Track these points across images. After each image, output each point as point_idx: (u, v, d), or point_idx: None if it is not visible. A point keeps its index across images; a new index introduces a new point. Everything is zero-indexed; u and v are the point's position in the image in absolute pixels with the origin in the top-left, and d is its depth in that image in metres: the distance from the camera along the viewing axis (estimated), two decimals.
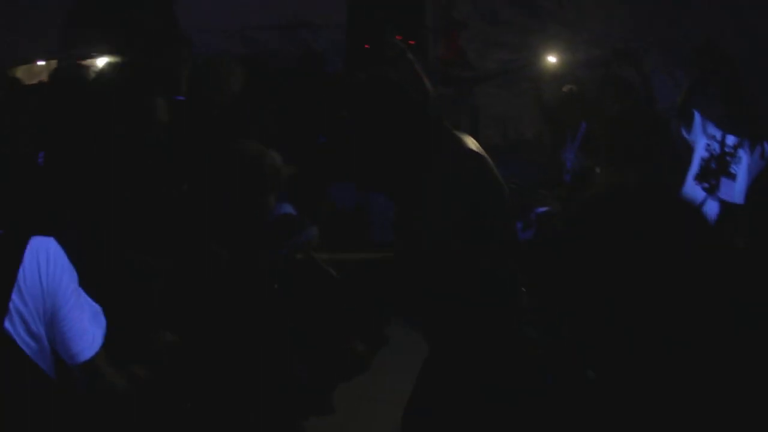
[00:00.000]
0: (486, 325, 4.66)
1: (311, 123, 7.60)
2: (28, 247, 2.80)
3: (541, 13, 9.67)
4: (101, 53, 8.85)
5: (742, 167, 6.36)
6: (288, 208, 5.90)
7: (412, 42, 8.81)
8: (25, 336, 2.79)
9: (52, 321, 2.87)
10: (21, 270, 2.75)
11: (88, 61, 8.56)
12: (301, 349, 5.17)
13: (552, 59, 8.89)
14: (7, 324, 2.72)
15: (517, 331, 4.86)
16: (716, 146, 6.47)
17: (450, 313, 4.76)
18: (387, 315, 5.91)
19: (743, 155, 6.36)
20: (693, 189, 6.53)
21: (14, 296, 2.72)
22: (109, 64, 8.18)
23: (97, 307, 3.09)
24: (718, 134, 6.49)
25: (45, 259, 2.83)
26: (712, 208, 6.41)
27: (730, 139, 6.41)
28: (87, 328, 3.00)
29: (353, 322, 5.53)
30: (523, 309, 5.29)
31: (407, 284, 5.44)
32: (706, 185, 6.48)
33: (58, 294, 2.86)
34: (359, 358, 5.39)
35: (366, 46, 8.46)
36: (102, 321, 3.10)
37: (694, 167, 6.59)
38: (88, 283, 3.15)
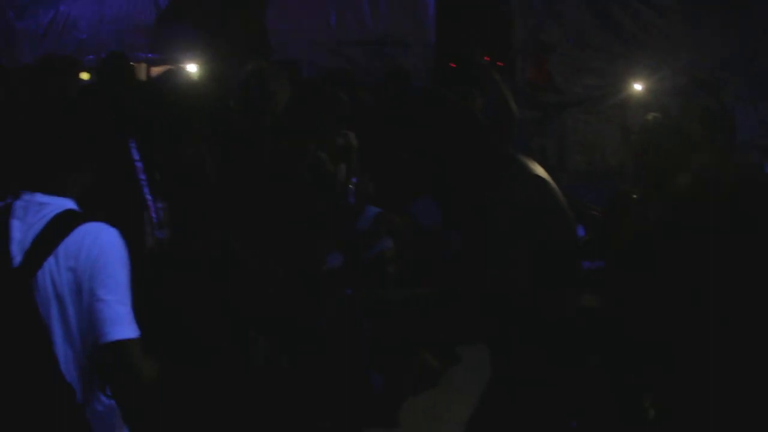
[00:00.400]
0: (550, 357, 4.65)
1: (394, 139, 7.64)
2: (81, 228, 3.17)
3: (629, 39, 9.63)
4: (190, 57, 9.08)
5: None
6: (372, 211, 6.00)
7: (500, 63, 8.83)
8: (50, 295, 3.16)
9: (89, 299, 3.16)
10: (63, 242, 3.14)
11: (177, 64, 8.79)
12: (377, 357, 5.23)
13: (638, 86, 8.85)
14: (39, 276, 3.12)
15: (581, 362, 4.86)
16: None
17: (513, 343, 4.76)
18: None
19: None
20: None
21: (51, 259, 3.13)
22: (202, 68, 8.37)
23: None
24: None
25: (90, 241, 3.17)
26: None
27: None
28: (123, 316, 3.20)
29: (426, 336, 5.56)
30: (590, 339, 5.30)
31: (473, 311, 5.47)
32: None
33: (95, 276, 3.16)
34: (430, 372, 5.41)
35: (452, 65, 8.49)
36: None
37: None
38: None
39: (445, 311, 5.47)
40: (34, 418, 3.16)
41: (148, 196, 4.79)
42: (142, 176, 4.82)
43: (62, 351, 3.21)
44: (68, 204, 3.28)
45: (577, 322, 5.02)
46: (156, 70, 9.06)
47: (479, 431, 4.70)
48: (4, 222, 3.23)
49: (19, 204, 3.26)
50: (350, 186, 6.32)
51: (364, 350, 5.23)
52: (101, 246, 3.19)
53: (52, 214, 3.21)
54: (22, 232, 3.19)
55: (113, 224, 3.28)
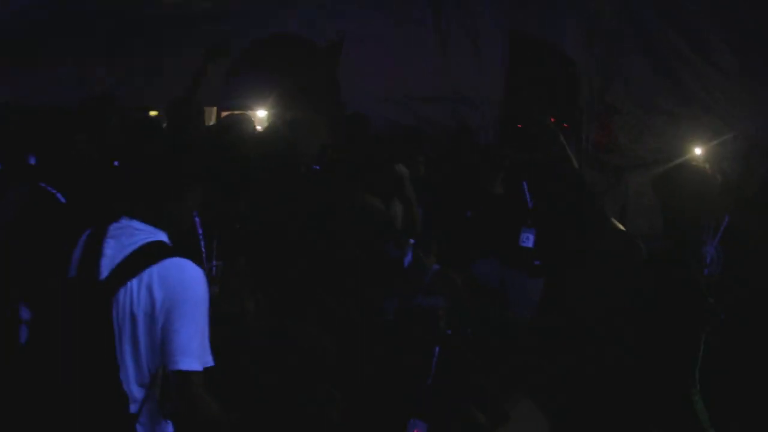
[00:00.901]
0: None
1: (460, 197, 7.81)
2: (170, 260, 3.53)
3: (693, 101, 9.66)
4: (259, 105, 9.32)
5: None
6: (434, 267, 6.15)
7: (566, 125, 8.96)
8: (127, 312, 3.47)
9: (165, 326, 3.46)
10: (150, 269, 3.49)
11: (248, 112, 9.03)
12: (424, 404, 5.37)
13: (698, 150, 8.92)
14: (120, 293, 3.45)
15: None
16: None
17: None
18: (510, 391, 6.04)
19: None
20: None
21: (134, 281, 3.45)
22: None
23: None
24: None
25: (177, 274, 3.52)
26: None
27: None
28: (194, 349, 3.48)
29: (476, 392, 5.68)
30: None
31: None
32: None
33: (175, 307, 3.47)
34: (476, 427, 5.50)
35: (519, 126, 8.65)
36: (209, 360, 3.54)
37: None
38: None
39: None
40: (85, 414, 3.45)
41: (204, 251, 5.03)
42: (200, 231, 5.04)
43: (125, 363, 3.50)
44: (161, 235, 3.64)
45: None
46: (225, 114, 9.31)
47: None
48: (100, 239, 3.57)
49: (116, 226, 3.63)
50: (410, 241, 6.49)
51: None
52: (186, 280, 3.52)
53: (144, 241, 3.56)
54: (113, 251, 3.54)
55: None
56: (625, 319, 6.00)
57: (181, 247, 3.66)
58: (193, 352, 3.46)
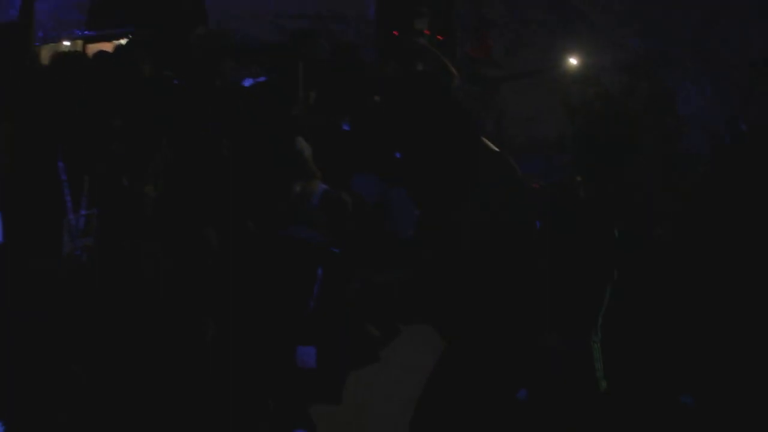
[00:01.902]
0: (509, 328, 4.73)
1: (338, 113, 7.59)
2: None
3: (572, 15, 9.65)
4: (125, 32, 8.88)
5: None
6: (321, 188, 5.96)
7: (440, 38, 8.80)
8: None
9: None
10: None
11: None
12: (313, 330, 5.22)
13: (574, 62, 8.89)
14: None
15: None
16: None
17: (476, 315, 4.81)
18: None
19: None
20: None
21: None
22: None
23: None
24: None
25: None
26: None
27: None
28: None
29: (370, 307, 5.56)
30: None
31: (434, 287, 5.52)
32: None
33: None
34: (372, 343, 5.40)
35: (395, 33, 8.42)
36: None
37: None
38: None
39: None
40: None
41: (69, 201, 4.62)
42: (64, 177, 4.63)
43: None
44: None
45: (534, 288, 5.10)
46: (92, 48, 8.83)
47: (434, 402, 4.74)
48: None
49: None
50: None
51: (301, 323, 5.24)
52: None
53: None
54: None
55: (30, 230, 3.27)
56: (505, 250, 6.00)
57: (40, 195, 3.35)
58: None
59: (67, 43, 7.67)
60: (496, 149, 7.23)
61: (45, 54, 6.94)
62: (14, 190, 4.35)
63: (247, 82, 6.73)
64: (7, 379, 3.73)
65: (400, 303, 5.89)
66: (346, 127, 7.38)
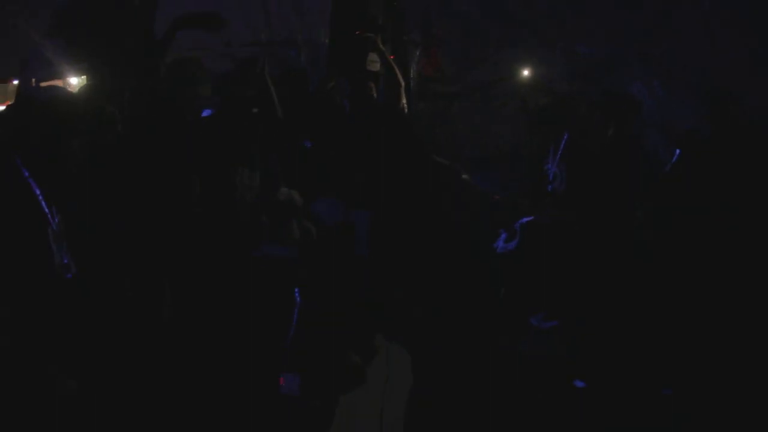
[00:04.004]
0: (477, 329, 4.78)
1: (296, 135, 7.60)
2: None
3: (520, 27, 9.77)
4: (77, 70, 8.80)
5: None
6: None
7: (392, 57, 8.85)
8: None
9: None
10: None
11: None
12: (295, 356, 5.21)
13: (525, 73, 9.00)
14: None
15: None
16: None
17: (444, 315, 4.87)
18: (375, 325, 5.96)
19: None
20: None
21: None
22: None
23: None
24: None
25: None
26: None
27: None
28: None
29: (347, 335, 5.55)
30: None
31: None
32: None
33: None
34: (356, 370, 5.39)
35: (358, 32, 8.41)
36: None
37: None
38: None
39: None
40: None
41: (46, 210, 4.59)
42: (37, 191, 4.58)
43: None
44: None
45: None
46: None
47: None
48: None
49: None
50: None
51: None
52: None
53: None
54: None
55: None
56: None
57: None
58: None
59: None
60: (447, 163, 7.34)
61: None
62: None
63: (206, 113, 6.72)
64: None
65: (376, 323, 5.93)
66: (307, 144, 7.40)
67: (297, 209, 5.83)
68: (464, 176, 7.31)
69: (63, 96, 5.81)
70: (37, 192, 4.46)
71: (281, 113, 6.92)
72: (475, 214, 7.01)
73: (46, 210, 4.41)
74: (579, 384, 5.55)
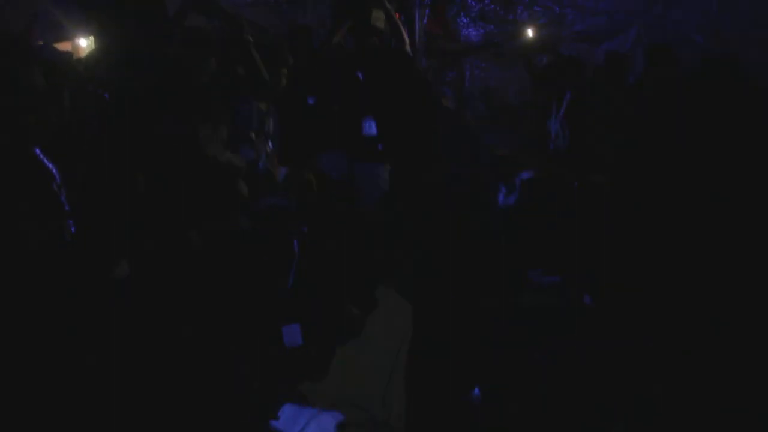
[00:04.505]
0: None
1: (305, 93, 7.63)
2: None
3: None
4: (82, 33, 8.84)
5: None
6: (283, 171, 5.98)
7: (398, 15, 8.87)
8: None
9: None
10: None
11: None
12: (296, 311, 5.25)
13: (531, 32, 9.02)
14: None
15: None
16: None
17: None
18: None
19: None
20: None
21: None
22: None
23: None
24: None
25: None
26: None
27: None
28: None
29: (347, 286, 5.59)
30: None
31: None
32: None
33: None
34: (353, 322, 5.43)
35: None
36: None
37: None
38: None
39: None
40: None
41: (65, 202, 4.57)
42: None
43: None
44: None
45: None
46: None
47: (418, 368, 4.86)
48: None
49: None
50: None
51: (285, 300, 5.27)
52: None
53: None
54: None
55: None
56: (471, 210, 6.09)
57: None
58: None
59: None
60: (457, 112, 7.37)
61: None
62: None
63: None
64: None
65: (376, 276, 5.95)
66: (311, 100, 7.44)
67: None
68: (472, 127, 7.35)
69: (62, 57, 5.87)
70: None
71: (266, 75, 7.00)
72: (478, 164, 7.05)
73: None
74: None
